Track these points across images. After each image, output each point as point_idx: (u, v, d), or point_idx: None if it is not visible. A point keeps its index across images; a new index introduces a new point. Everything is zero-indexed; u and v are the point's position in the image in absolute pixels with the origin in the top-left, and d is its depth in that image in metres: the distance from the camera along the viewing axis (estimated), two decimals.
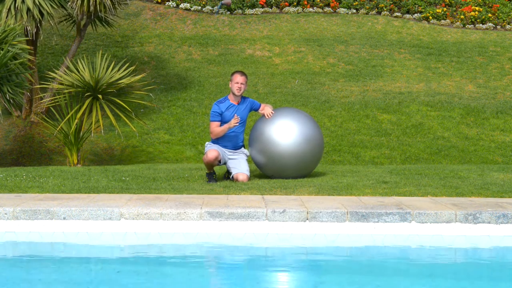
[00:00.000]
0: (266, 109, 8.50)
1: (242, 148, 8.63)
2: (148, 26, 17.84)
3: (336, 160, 12.07)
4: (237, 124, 8.35)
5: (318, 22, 18.57)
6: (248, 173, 8.43)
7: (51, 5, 12.27)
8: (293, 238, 6.33)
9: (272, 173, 8.52)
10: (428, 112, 13.76)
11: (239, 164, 8.45)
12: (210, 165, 8.33)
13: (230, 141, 8.50)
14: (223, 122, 8.43)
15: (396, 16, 19.17)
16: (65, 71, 12.15)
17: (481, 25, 18.94)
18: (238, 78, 8.45)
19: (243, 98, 8.59)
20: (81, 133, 11.44)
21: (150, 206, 6.53)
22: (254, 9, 18.90)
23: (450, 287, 5.17)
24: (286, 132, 8.32)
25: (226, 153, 8.49)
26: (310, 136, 8.41)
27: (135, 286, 5.05)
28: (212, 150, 8.28)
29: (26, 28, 12.09)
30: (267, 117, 8.43)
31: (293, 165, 8.36)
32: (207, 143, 8.66)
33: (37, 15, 12.04)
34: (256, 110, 8.63)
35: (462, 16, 19.05)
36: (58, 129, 11.32)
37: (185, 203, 6.71)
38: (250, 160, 8.71)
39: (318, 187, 7.72)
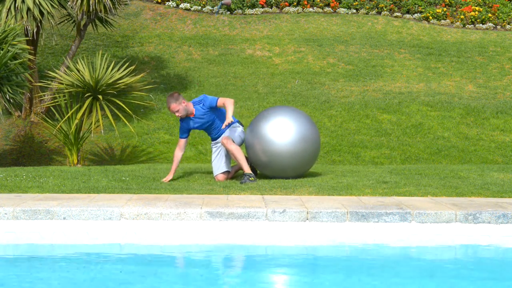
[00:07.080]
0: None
1: (223, 135, 8.62)
2: (148, 26, 17.84)
3: (336, 160, 12.07)
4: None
5: (318, 22, 18.57)
6: (224, 169, 8.59)
7: (51, 4, 12.26)
8: (293, 238, 6.33)
9: (268, 172, 8.51)
10: (428, 112, 13.76)
11: (218, 162, 8.64)
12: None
13: (209, 134, 8.78)
14: (187, 129, 8.57)
15: (396, 16, 19.17)
16: (65, 71, 12.15)
17: (481, 25, 18.94)
18: (169, 107, 8.44)
19: (198, 103, 8.52)
20: (81, 133, 11.44)
21: (150, 206, 6.53)
22: (254, 9, 18.90)
23: (450, 287, 5.17)
24: (282, 130, 8.29)
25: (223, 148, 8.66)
26: (306, 134, 8.36)
27: (135, 286, 5.05)
28: (217, 177, 8.60)
29: (26, 28, 12.08)
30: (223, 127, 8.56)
31: (289, 164, 8.32)
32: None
33: (37, 15, 12.03)
34: (214, 107, 8.50)
35: (462, 16, 19.05)
36: (57, 128, 11.32)
37: (185, 203, 6.71)
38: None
39: (318, 187, 7.72)
